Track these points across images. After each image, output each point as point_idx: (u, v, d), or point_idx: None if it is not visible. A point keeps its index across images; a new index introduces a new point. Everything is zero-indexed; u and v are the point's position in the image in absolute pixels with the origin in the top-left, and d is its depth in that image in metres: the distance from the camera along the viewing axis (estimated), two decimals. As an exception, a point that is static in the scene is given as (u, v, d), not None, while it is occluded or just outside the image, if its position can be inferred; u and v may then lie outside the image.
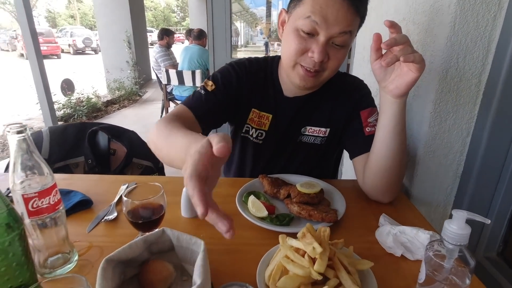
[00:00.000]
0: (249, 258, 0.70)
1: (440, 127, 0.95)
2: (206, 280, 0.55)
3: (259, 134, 1.09)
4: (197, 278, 0.54)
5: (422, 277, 0.59)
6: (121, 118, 5.50)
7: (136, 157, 1.61)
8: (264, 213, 0.83)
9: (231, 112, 1.08)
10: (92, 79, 7.24)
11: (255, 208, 0.85)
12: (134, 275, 0.64)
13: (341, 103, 1.03)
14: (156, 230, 0.66)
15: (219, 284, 0.60)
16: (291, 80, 0.95)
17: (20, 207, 0.59)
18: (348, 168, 1.72)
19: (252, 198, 0.88)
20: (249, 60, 1.08)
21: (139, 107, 6.30)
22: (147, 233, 0.65)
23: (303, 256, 0.60)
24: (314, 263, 0.57)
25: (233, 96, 1.03)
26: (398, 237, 0.74)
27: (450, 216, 0.99)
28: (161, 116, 5.06)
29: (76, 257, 0.70)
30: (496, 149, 0.91)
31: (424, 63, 0.73)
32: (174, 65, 4.83)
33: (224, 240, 0.81)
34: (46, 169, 0.62)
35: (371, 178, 0.92)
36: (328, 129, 1.05)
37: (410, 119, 1.04)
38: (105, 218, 0.85)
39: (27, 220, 0.60)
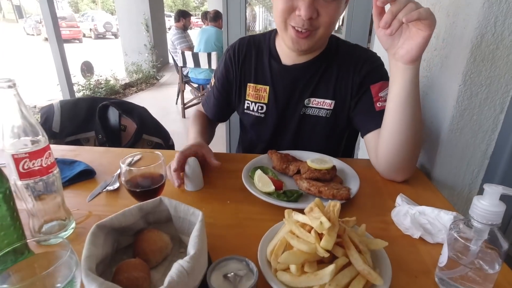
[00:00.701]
0: (252, 234, 0.65)
1: (470, 102, 0.85)
2: (202, 251, 0.51)
3: (260, 108, 1.06)
4: (191, 248, 0.50)
5: (443, 260, 0.52)
6: (138, 101, 5.52)
7: (146, 133, 1.58)
8: (271, 188, 0.78)
9: (232, 95, 1.11)
10: (111, 62, 7.33)
11: (262, 182, 0.80)
12: (129, 245, 0.61)
13: (348, 74, 0.96)
14: (153, 199, 0.62)
15: (218, 258, 0.55)
16: (285, 44, 0.92)
17: (11, 169, 0.57)
18: (364, 151, 1.63)
19: (258, 172, 0.83)
20: (242, 39, 1.09)
21: (156, 90, 6.33)
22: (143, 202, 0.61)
23: (309, 232, 0.54)
24: (321, 240, 0.51)
25: (226, 83, 1.09)
26: (416, 218, 0.67)
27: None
28: (176, 99, 5.05)
29: (73, 225, 0.68)
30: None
31: (434, 17, 0.65)
32: (190, 47, 4.78)
33: (227, 214, 0.78)
34: (38, 130, 0.59)
35: (384, 155, 0.84)
36: (334, 101, 0.98)
37: (436, 94, 0.94)
38: (106, 188, 0.83)
39: (18, 182, 0.57)
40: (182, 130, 4.06)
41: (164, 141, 1.66)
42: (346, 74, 0.96)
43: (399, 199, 0.76)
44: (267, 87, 1.03)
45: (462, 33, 0.82)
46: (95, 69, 6.02)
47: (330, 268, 0.49)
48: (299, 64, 0.98)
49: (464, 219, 0.51)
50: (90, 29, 17.98)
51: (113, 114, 1.58)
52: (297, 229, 0.55)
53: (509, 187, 0.89)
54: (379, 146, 0.85)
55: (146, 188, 0.68)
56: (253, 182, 0.82)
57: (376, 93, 0.91)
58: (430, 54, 0.98)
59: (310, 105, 1.00)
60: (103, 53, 11.05)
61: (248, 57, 1.05)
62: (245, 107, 1.08)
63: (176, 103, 5.10)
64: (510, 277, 0.55)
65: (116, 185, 0.84)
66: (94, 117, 1.49)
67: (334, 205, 0.59)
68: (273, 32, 1.04)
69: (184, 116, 4.61)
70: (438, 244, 0.64)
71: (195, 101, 4.72)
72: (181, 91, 4.61)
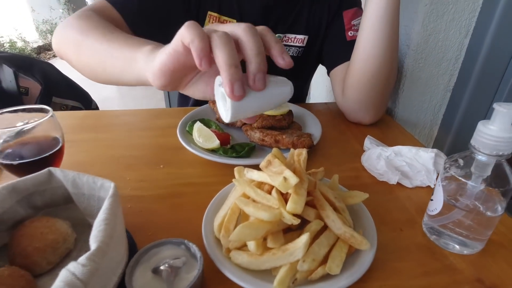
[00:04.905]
0: (194, 204, 0.49)
1: (436, 25, 0.74)
2: (112, 242, 0.33)
3: None
4: (93, 241, 0.32)
5: (436, 206, 0.42)
6: (60, 66, 4.75)
7: (57, 95, 1.27)
8: (215, 142, 0.61)
9: (177, 17, 0.74)
10: (14, 21, 6.10)
11: (203, 137, 0.62)
12: (6, 245, 0.40)
13: (323, 2, 0.79)
14: (36, 173, 0.41)
15: (147, 243, 0.38)
16: None
17: None
18: (316, 97, 1.53)
19: (198, 125, 0.65)
20: None
21: (79, 54, 5.48)
22: (18, 179, 0.40)
23: (269, 192, 0.39)
24: (286, 202, 0.37)
25: None
26: (392, 160, 0.56)
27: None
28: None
29: None
30: (498, 54, 0.74)
31: None
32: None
33: (160, 182, 0.56)
34: None
35: (353, 89, 0.72)
36: (307, 37, 0.81)
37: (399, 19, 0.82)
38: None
39: None
40: (117, 95, 3.59)
41: (83, 103, 1.36)
42: (321, 3, 0.79)
43: (367, 142, 0.64)
44: (234, 21, 0.79)
45: None
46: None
47: (303, 238, 0.35)
48: None
49: (462, 153, 0.40)
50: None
51: (6, 73, 1.22)
52: (252, 191, 0.39)
53: (470, 121, 0.83)
54: (347, 78, 0.72)
55: (28, 159, 0.46)
56: (192, 139, 0.64)
57: (348, 20, 0.76)
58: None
59: (282, 43, 0.81)
60: (1, 9, 9.17)
61: None
62: None
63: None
64: (509, 221, 0.47)
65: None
66: (-25, 77, 1.13)
67: (299, 154, 0.44)
68: None
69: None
70: (417, 188, 0.54)
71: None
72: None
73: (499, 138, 0.35)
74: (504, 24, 0.70)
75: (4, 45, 4.44)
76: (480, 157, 0.37)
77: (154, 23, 0.71)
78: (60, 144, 0.50)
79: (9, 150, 0.47)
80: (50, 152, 0.48)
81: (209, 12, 0.78)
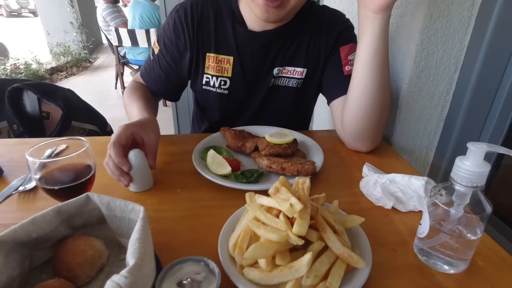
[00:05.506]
0: (209, 225, 0.55)
1: (427, 62, 0.82)
2: (145, 258, 0.39)
3: (222, 83, 0.90)
4: (130, 257, 0.38)
5: (424, 230, 0.48)
6: (71, 87, 4.88)
7: (76, 119, 1.36)
8: (227, 169, 0.67)
9: (182, 69, 0.91)
10: (30, 43, 6.37)
11: (216, 164, 0.69)
12: (48, 260, 0.47)
13: (320, 38, 0.86)
14: (77, 197, 0.48)
15: (170, 261, 0.44)
16: (252, 12, 0.77)
17: None
18: (319, 123, 1.60)
19: (211, 153, 0.72)
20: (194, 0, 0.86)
21: (90, 75, 5.68)
22: (62, 203, 0.47)
23: (277, 216, 0.45)
24: (292, 225, 0.43)
25: (176, 52, 0.89)
26: (387, 187, 0.63)
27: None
28: (115, 83, 4.59)
29: (-32, 242, 0.51)
30: (485, 88, 0.81)
31: None
32: (126, 23, 4.30)
33: (178, 204, 0.65)
34: None
35: (350, 122, 0.79)
36: (305, 70, 0.89)
37: (393, 54, 0.90)
38: (18, 189, 0.65)
39: None
40: (125, 117, 3.71)
41: (99, 127, 1.44)
42: (318, 38, 0.86)
43: (366, 169, 0.71)
44: (231, 58, 0.87)
45: (419, -12, 0.78)
46: (11, 52, 5.18)
47: (307, 257, 0.41)
48: (269, 30, 0.84)
49: (444, 183, 0.47)
50: (0, 6, 15.45)
51: (30, 99, 1.32)
52: (263, 215, 0.46)
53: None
54: (345, 112, 0.79)
55: (67, 184, 0.53)
56: (206, 164, 0.71)
57: (345, 55, 0.83)
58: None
59: (280, 75, 0.89)
60: (20, 33, 9.59)
61: (205, 20, 0.86)
62: (204, 82, 0.91)
63: (116, 87, 4.63)
64: (489, 242, 0.53)
65: (32, 184, 0.66)
66: (3, 103, 1.22)
67: (303, 182, 0.51)
68: None
69: (125, 100, 4.21)
70: (410, 212, 0.60)
71: (136, 84, 4.32)
72: (119, 74, 4.18)
73: (473, 172, 0.42)
74: (490, 60, 0.78)
75: (20, 67, 4.63)
76: (459, 188, 0.44)
77: (172, 81, 0.94)
78: (93, 171, 0.57)
79: (50, 178, 0.54)
80: (85, 179, 0.55)
81: (207, 54, 0.88)
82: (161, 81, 0.93)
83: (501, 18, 0.74)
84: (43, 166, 0.53)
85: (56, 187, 0.53)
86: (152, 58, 0.93)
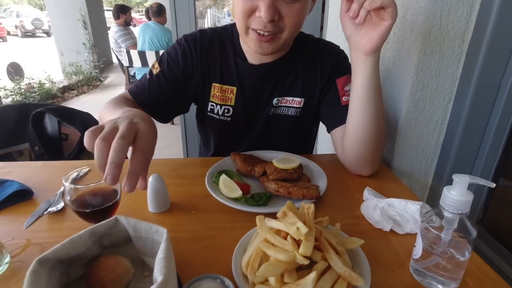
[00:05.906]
0: (223, 245, 0.61)
1: (423, 93, 0.89)
2: (170, 275, 0.45)
3: (225, 111, 0.98)
4: (158, 274, 0.44)
5: (418, 252, 0.53)
6: (81, 105, 5.09)
7: (93, 141, 1.43)
8: (238, 193, 0.73)
9: (184, 93, 0.97)
10: (44, 63, 6.63)
11: (228, 188, 0.75)
12: (82, 276, 0.52)
13: (316, 69, 0.94)
14: (108, 220, 0.54)
15: (188, 278, 0.50)
16: (249, 47, 0.84)
17: None
18: (323, 145, 1.66)
19: (223, 177, 0.78)
20: (202, 31, 0.96)
21: (100, 93, 5.87)
22: (95, 224, 0.53)
23: (285, 238, 0.51)
24: (298, 246, 0.48)
25: (180, 77, 0.94)
26: (385, 210, 0.68)
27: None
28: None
29: (8, 259, 0.57)
30: (478, 116, 0.87)
31: (395, 6, 0.67)
32: (136, 45, 4.49)
33: (193, 226, 0.71)
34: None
35: (350, 150, 0.85)
36: (303, 99, 0.96)
37: (391, 86, 0.97)
38: (48, 210, 0.71)
39: None
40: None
41: (113, 148, 1.52)
42: (313, 70, 0.94)
43: (366, 193, 0.76)
44: (234, 88, 0.95)
45: (413, 27, 0.86)
46: (25, 71, 5.39)
47: (312, 276, 0.46)
48: (267, 63, 0.92)
49: (434, 210, 0.52)
50: (16, 26, 16.06)
51: (50, 122, 1.41)
52: (272, 237, 0.51)
53: (459, 171, 0.95)
54: (344, 141, 0.86)
55: (97, 207, 0.60)
56: (218, 188, 0.77)
57: (342, 87, 0.90)
58: (382, 48, 1.00)
59: (279, 104, 0.96)
60: (34, 53, 9.96)
61: (212, 53, 0.94)
62: (209, 109, 0.99)
63: (125, 106, 4.77)
64: (479, 263, 0.57)
65: (60, 205, 0.73)
66: (26, 126, 1.31)
67: (308, 208, 0.56)
68: (235, 29, 0.93)
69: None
70: (407, 234, 0.65)
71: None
72: (128, 92, 4.31)
73: (458, 201, 0.47)
74: (480, 91, 0.84)
75: (34, 86, 4.81)
76: (447, 214, 0.49)
77: (164, 102, 0.94)
78: (119, 196, 0.63)
79: (81, 201, 0.61)
80: (112, 202, 0.62)
81: (213, 84, 0.96)
82: (155, 99, 0.92)
83: (489, 54, 0.81)
84: (76, 190, 0.60)
85: (87, 210, 0.59)
86: (148, 77, 0.94)
